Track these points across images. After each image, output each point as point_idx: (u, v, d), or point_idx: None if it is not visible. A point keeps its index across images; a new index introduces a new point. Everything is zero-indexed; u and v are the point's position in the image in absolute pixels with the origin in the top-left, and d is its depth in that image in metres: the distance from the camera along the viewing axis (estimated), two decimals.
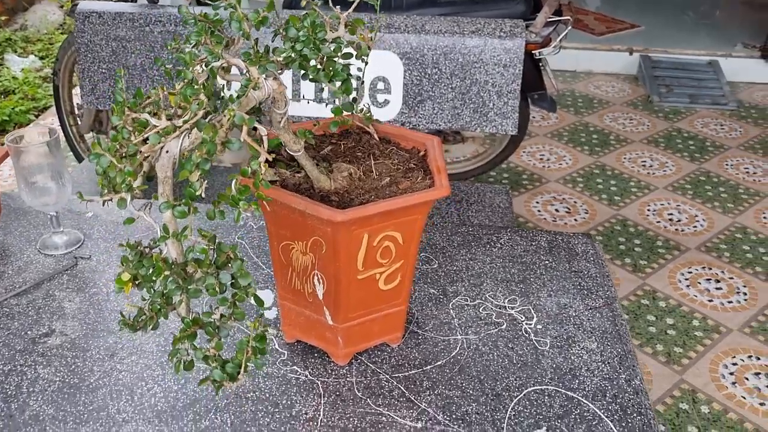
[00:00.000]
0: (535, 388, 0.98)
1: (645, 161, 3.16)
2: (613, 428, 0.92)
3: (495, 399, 0.96)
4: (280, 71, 0.78)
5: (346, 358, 1.00)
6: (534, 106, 2.69)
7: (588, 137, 3.35)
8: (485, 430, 0.91)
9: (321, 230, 0.87)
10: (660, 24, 4.51)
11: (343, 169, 0.93)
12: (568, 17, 2.41)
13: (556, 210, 2.79)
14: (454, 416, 0.93)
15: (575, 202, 2.85)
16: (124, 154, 0.71)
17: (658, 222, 2.74)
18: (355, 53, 0.81)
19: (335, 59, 0.78)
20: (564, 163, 3.14)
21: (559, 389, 0.98)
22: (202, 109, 0.68)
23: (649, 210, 2.81)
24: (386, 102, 1.97)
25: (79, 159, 2.83)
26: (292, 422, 0.92)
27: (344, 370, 1.00)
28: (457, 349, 1.05)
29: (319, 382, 0.98)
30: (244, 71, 0.73)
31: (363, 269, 0.91)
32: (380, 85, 1.96)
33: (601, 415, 0.94)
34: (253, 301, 0.75)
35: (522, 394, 0.97)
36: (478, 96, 1.95)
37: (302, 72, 0.77)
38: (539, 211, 2.80)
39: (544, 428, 0.92)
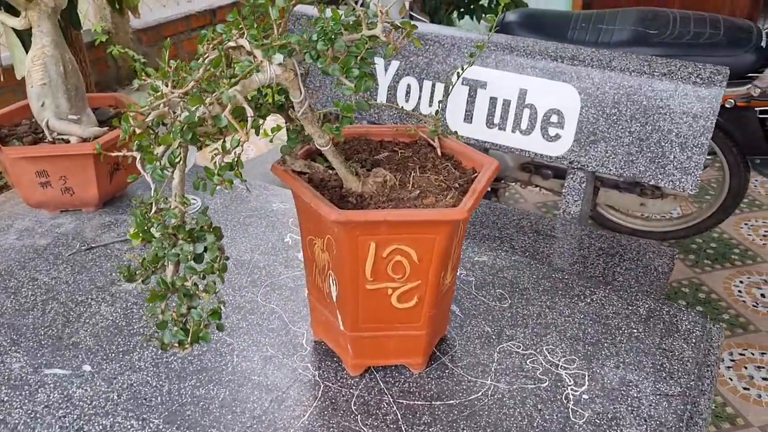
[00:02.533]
0: None
1: None
2: None
3: None
4: (302, 68, 0.78)
5: (357, 369, 0.97)
6: (755, 171, 2.35)
7: None
8: None
9: (331, 229, 0.85)
10: None
11: (380, 175, 0.90)
12: None
13: (762, 295, 2.40)
14: None
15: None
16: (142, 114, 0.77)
17: None
18: (383, 53, 0.79)
19: (355, 55, 0.76)
20: None
21: None
22: (193, 81, 0.71)
23: None
24: (557, 137, 1.87)
25: None
26: (277, 412, 0.91)
27: (353, 381, 0.97)
28: (479, 393, 0.95)
29: (322, 385, 0.96)
30: (249, 53, 0.74)
31: (372, 279, 0.87)
32: (553, 118, 1.86)
33: None
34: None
35: None
36: (658, 145, 1.75)
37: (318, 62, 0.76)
38: (740, 291, 2.43)
39: None
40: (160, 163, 0.75)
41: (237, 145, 0.72)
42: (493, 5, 3.44)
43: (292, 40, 0.74)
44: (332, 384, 0.96)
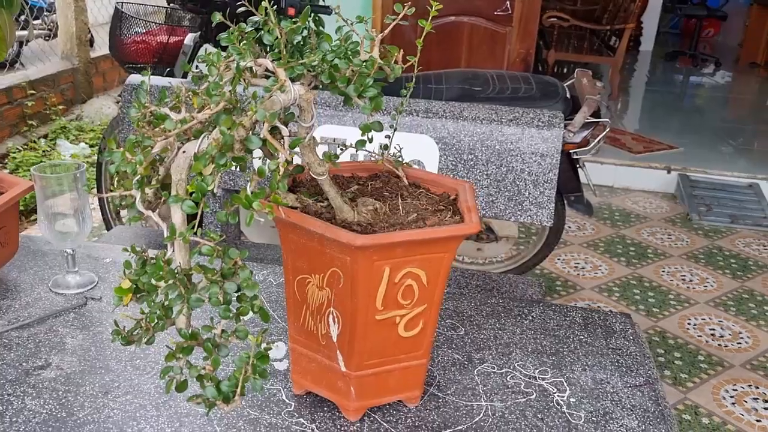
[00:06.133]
0: None
1: (684, 275, 3.05)
2: None
3: None
4: (310, 84, 0.76)
5: (358, 414, 0.91)
6: (570, 208, 2.65)
7: (625, 249, 3.27)
8: None
9: (340, 260, 0.81)
10: (698, 147, 4.51)
11: (369, 204, 0.89)
12: (607, 119, 2.41)
13: (599, 308, 2.67)
14: None
15: (611, 311, 2.73)
16: (139, 149, 0.68)
17: (700, 336, 2.59)
18: (387, 74, 0.79)
19: (366, 75, 0.76)
20: (600, 272, 3.05)
21: None
22: (223, 102, 0.65)
23: (689, 324, 2.68)
24: None
25: None
26: None
27: (354, 427, 0.91)
28: (481, 415, 0.95)
29: None
30: (271, 74, 0.71)
31: (382, 309, 0.84)
32: None
33: None
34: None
35: None
36: (513, 184, 1.92)
37: (330, 84, 0.75)
38: None
39: None
40: (177, 194, 0.67)
41: (276, 167, 0.67)
42: None
43: (312, 58, 0.71)
44: None
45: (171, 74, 2.49)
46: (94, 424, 0.88)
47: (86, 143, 4.37)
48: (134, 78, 2.07)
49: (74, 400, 0.92)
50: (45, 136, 4.40)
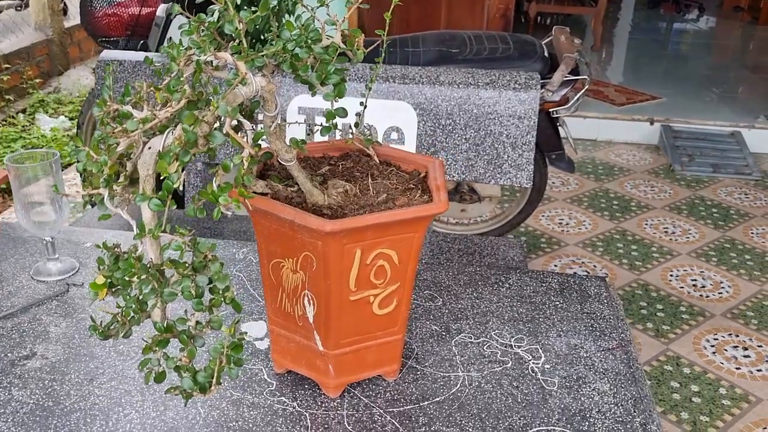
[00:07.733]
0: (541, 428, 0.90)
1: (667, 228, 3.09)
2: None
3: None
4: (272, 72, 0.76)
5: (338, 390, 0.94)
6: (552, 166, 2.66)
7: (608, 203, 3.30)
8: None
9: (311, 244, 0.82)
10: (681, 96, 4.51)
11: (339, 186, 0.90)
12: (586, 76, 2.40)
13: (575, 273, 2.71)
14: None
15: (594, 266, 2.78)
16: (104, 148, 0.69)
17: (682, 287, 2.64)
18: (350, 59, 0.79)
19: (328, 62, 0.76)
20: (583, 227, 3.08)
21: (567, 430, 0.90)
22: (184, 98, 0.66)
23: (671, 275, 2.72)
24: None
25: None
26: None
27: (335, 403, 0.93)
28: (458, 385, 0.98)
29: (307, 414, 0.91)
30: (232, 66, 0.71)
31: (356, 290, 0.86)
32: (394, 135, 1.95)
33: None
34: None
35: None
36: (492, 147, 1.93)
37: (293, 73, 0.75)
38: None
39: None
40: (145, 192, 0.67)
41: (240, 161, 0.68)
42: None
43: (273, 49, 0.71)
44: (316, 411, 0.92)
45: (145, 47, 2.46)
46: (80, 412, 0.90)
47: (66, 116, 4.32)
48: (107, 54, 2.05)
49: (60, 389, 0.94)
50: (23, 111, 4.35)
